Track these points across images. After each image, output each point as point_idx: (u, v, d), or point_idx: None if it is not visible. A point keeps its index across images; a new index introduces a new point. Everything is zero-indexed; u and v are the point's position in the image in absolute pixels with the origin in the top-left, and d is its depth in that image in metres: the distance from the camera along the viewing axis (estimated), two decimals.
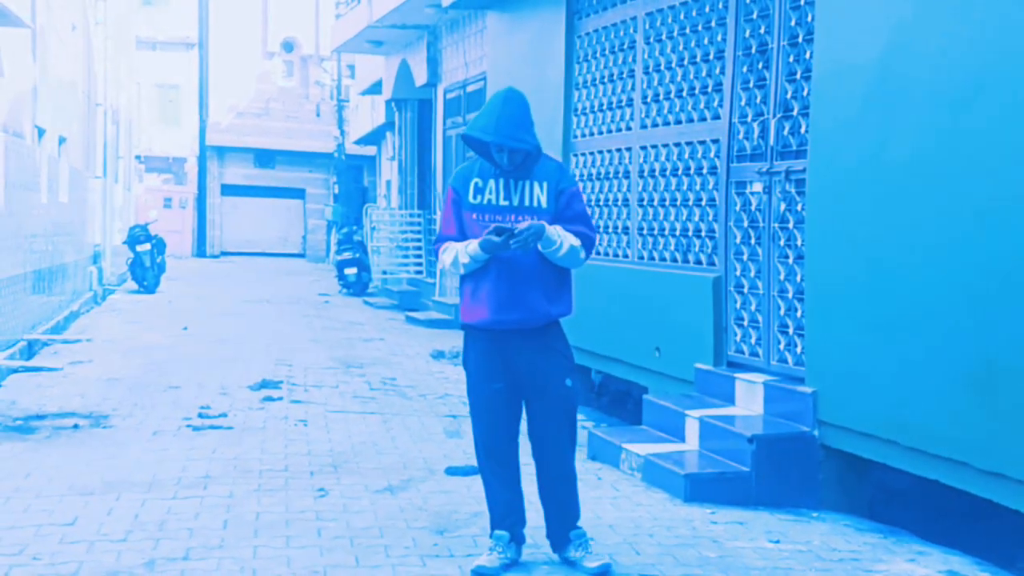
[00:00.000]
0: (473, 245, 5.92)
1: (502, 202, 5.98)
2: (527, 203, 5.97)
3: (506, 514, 6.09)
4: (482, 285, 5.96)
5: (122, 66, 32.09)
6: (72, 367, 13.43)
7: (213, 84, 45.39)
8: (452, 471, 8.34)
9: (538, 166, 6.03)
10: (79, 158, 23.09)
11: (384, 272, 25.11)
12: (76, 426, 9.88)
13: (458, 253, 6.00)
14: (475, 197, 6.02)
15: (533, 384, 6.03)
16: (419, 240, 24.49)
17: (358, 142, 38.23)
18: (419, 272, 24.09)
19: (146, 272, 25.18)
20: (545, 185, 5.99)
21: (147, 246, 25.25)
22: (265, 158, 46.85)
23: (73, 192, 20.24)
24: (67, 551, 6.24)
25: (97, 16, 26.09)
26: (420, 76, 22.69)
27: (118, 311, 21.01)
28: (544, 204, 5.97)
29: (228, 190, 46.70)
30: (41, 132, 18.70)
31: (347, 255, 26.85)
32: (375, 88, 28.89)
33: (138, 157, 43.92)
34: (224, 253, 45.95)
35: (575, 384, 6.15)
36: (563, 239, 5.90)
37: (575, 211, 6.05)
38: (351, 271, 26.52)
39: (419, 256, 24.31)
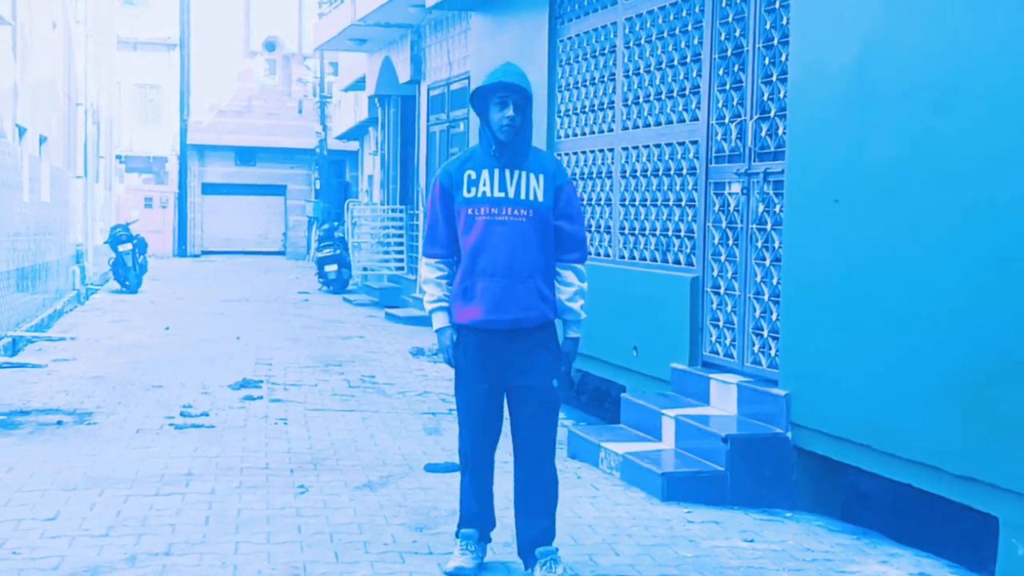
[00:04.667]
0: (440, 319, 5.99)
1: (497, 193, 5.82)
2: (523, 195, 5.82)
3: (479, 514, 6.06)
4: (476, 283, 5.84)
5: (103, 66, 32.09)
6: (56, 364, 13.48)
7: (194, 83, 45.34)
8: (431, 468, 8.41)
9: (532, 156, 5.90)
10: (60, 157, 23.09)
11: (365, 268, 24.97)
12: (60, 422, 9.93)
13: (428, 294, 6.03)
14: (469, 191, 5.85)
15: (520, 383, 5.91)
16: (401, 236, 24.32)
17: (340, 137, 38.22)
18: (400, 268, 24.03)
19: (128, 272, 25.17)
20: (541, 178, 5.85)
21: (129, 246, 25.25)
22: (246, 155, 46.77)
23: (54, 191, 20.23)
24: (48, 545, 6.29)
25: (78, 15, 26.09)
26: (404, 73, 22.75)
27: (101, 310, 21.03)
28: (541, 198, 5.83)
29: (209, 188, 46.63)
30: (22, 131, 18.70)
31: (327, 252, 26.81)
32: (358, 84, 28.90)
33: (118, 157, 43.95)
34: (205, 252, 45.87)
35: (560, 385, 6.05)
36: (578, 308, 5.99)
37: (574, 211, 5.97)
38: (331, 268, 26.52)
39: (400, 252, 24.14)
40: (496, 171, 5.86)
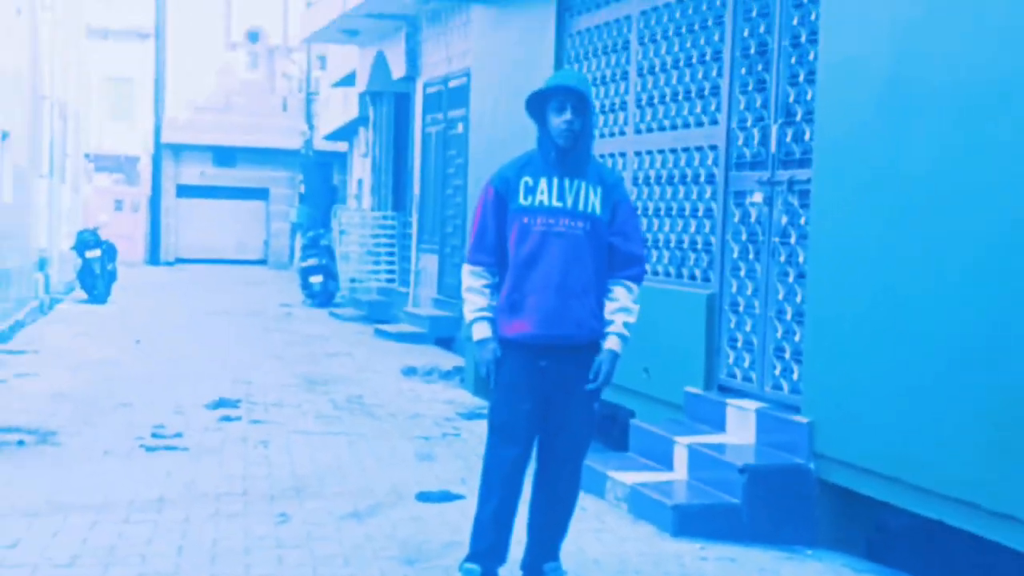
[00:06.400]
0: (482, 330, 6.02)
1: (555, 203, 5.95)
2: (581, 207, 5.96)
3: (494, 547, 6.07)
4: (527, 296, 5.92)
5: (71, 57, 32.10)
6: (17, 380, 13.50)
7: (170, 77, 45.39)
8: (424, 497, 8.44)
9: (591, 166, 6.08)
10: (23, 155, 23.09)
11: (353, 280, 24.87)
12: (21, 442, 9.96)
13: (471, 303, 6.07)
14: (526, 198, 5.97)
15: (562, 403, 6.04)
16: (392, 245, 24.16)
17: (328, 137, 38.16)
18: (391, 280, 23.92)
19: (96, 280, 25.17)
20: (600, 190, 6.01)
21: (97, 252, 25.24)
22: (225, 156, 46.79)
23: (17, 192, 20.26)
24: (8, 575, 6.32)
25: (44, 1, 26.09)
26: (398, 69, 22.77)
27: (66, 321, 21.04)
28: (599, 211, 5.99)
29: (184, 191, 46.63)
30: None
31: (312, 261, 26.84)
32: (348, 80, 28.89)
33: (87, 155, 43.89)
34: (179, 260, 45.84)
35: (599, 409, 6.22)
36: (620, 323, 6.09)
37: (630, 228, 6.13)
38: (316, 279, 26.55)
39: (392, 263, 24.04)
40: (555, 179, 6.00)
